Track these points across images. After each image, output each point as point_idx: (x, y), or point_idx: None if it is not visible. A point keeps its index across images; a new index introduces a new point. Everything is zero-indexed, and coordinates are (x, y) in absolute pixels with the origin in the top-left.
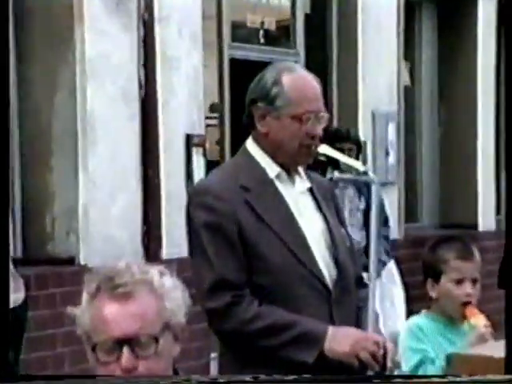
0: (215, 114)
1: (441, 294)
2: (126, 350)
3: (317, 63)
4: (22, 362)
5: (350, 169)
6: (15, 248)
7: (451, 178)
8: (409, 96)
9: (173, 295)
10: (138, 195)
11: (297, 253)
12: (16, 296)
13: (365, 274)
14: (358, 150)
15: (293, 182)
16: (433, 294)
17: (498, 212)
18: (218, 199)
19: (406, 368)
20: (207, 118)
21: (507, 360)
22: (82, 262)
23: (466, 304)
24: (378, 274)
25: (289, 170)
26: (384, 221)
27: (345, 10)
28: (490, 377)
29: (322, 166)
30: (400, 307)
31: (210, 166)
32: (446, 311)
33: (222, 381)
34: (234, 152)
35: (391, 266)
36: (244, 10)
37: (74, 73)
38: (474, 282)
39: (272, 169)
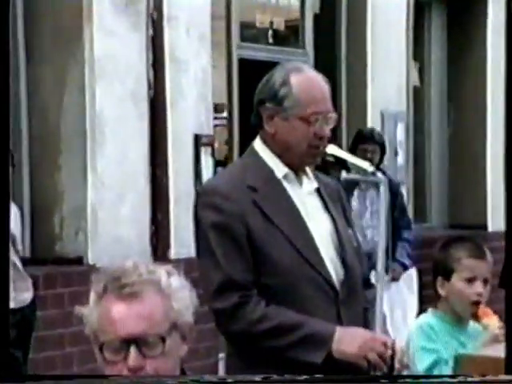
0: (223, 115)
1: (451, 293)
2: (133, 350)
3: (326, 63)
4: (31, 361)
5: (358, 169)
6: (24, 248)
7: (460, 178)
8: (418, 96)
9: (180, 295)
10: (147, 195)
11: (305, 253)
12: (24, 296)
13: (386, 277)
14: (381, 151)
15: (300, 182)
16: (442, 292)
17: None
18: (226, 199)
19: (419, 368)
20: (215, 118)
21: (507, 360)
22: (91, 262)
23: (475, 303)
24: (398, 278)
25: (296, 171)
26: (407, 224)
27: (354, 9)
28: (502, 377)
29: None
30: (411, 321)
31: (219, 165)
32: (454, 310)
33: (230, 381)
34: (242, 152)
35: (413, 272)
36: (253, 10)
37: (83, 72)
38: (485, 282)
39: (279, 169)
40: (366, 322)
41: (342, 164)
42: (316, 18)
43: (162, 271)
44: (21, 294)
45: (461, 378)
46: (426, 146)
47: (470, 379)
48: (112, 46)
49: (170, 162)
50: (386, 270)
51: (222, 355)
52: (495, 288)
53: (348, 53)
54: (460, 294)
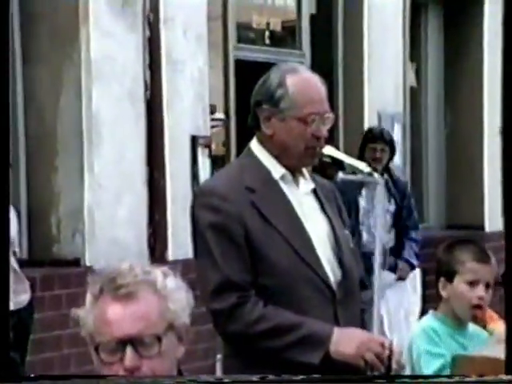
0: (220, 116)
1: (452, 295)
2: (129, 350)
3: (322, 64)
4: (28, 363)
5: (354, 170)
6: (21, 250)
7: (457, 179)
8: (415, 97)
9: (176, 296)
10: (144, 196)
11: (302, 254)
12: (21, 298)
13: (392, 275)
14: (391, 150)
15: (297, 183)
16: (444, 293)
17: None
18: (224, 200)
19: (427, 373)
20: (212, 119)
21: (507, 360)
22: (88, 264)
23: (476, 307)
24: (405, 277)
25: (293, 172)
26: (414, 224)
27: (350, 10)
28: (499, 377)
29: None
30: (413, 324)
31: (216, 166)
32: (455, 312)
33: (227, 381)
34: (239, 153)
35: (417, 272)
36: (249, 11)
37: (80, 74)
38: (488, 286)
39: (277, 170)
40: (363, 323)
41: (338, 165)
42: (312, 18)
43: (157, 272)
44: (18, 296)
45: (458, 378)
46: (423, 146)
47: (467, 379)
48: (109, 46)
49: (167, 163)
50: (394, 269)
51: (219, 356)
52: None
53: (345, 54)
54: (461, 296)
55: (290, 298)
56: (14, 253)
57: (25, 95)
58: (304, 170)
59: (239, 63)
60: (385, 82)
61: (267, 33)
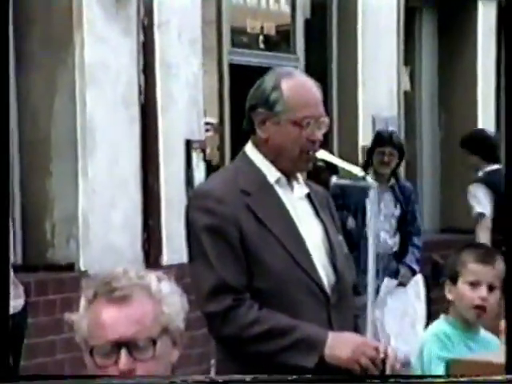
0: (210, 120)
1: (456, 297)
2: (123, 353)
3: (316, 68)
4: (22, 368)
5: (348, 174)
6: (15, 254)
7: (452, 183)
8: (409, 101)
9: (170, 300)
10: (138, 201)
11: (297, 258)
12: (16, 303)
13: (394, 281)
14: (399, 155)
15: (292, 187)
16: (450, 296)
17: None
18: (219, 203)
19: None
20: (207, 123)
21: (508, 360)
22: (82, 269)
23: (478, 308)
24: (406, 283)
25: (288, 176)
26: (417, 230)
27: (345, 15)
28: (493, 378)
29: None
30: (420, 330)
31: (211, 171)
32: (462, 315)
33: (220, 381)
34: (234, 157)
35: (419, 279)
36: (244, 16)
37: (74, 78)
38: (492, 288)
39: (272, 174)
40: (357, 328)
41: (332, 169)
42: (307, 23)
43: (152, 276)
44: (12, 301)
45: (452, 379)
46: (418, 150)
47: (462, 379)
48: (103, 51)
49: (162, 167)
50: (396, 275)
51: (214, 361)
52: None
53: (339, 58)
54: (464, 297)
55: (283, 301)
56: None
57: (18, 100)
58: (298, 175)
59: (233, 67)
60: (379, 85)
61: (261, 37)
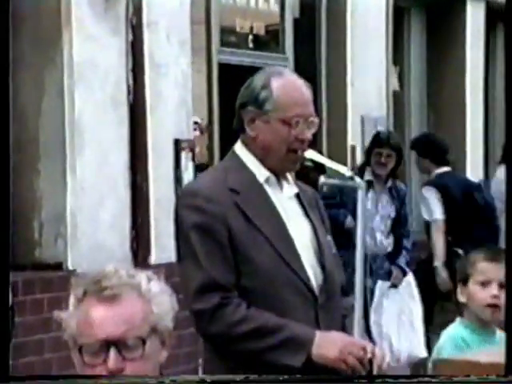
0: (196, 119)
1: (468, 298)
2: (112, 352)
3: (306, 68)
4: (10, 367)
5: (336, 174)
6: None
7: None
8: (398, 101)
9: (160, 300)
10: (127, 200)
11: (285, 257)
12: None
13: (387, 283)
14: (398, 157)
15: (281, 187)
16: (462, 298)
17: None
18: (208, 201)
19: None
20: (194, 123)
21: (507, 360)
22: (70, 268)
23: (491, 306)
24: (398, 284)
25: (277, 175)
26: (407, 233)
27: (334, 14)
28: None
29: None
30: (419, 328)
31: (199, 170)
32: (476, 316)
33: (209, 381)
34: (223, 157)
35: (410, 279)
36: (233, 15)
37: (62, 77)
38: (502, 286)
39: (261, 173)
40: (344, 329)
41: (320, 169)
42: (296, 22)
43: (142, 276)
44: None
45: (442, 378)
46: (407, 150)
47: (455, 379)
48: (91, 50)
49: (150, 166)
50: (388, 276)
51: (202, 360)
52: None
53: (328, 58)
54: (475, 297)
55: (271, 300)
56: None
57: None
58: (288, 175)
59: (223, 67)
60: (368, 85)
61: (251, 37)
